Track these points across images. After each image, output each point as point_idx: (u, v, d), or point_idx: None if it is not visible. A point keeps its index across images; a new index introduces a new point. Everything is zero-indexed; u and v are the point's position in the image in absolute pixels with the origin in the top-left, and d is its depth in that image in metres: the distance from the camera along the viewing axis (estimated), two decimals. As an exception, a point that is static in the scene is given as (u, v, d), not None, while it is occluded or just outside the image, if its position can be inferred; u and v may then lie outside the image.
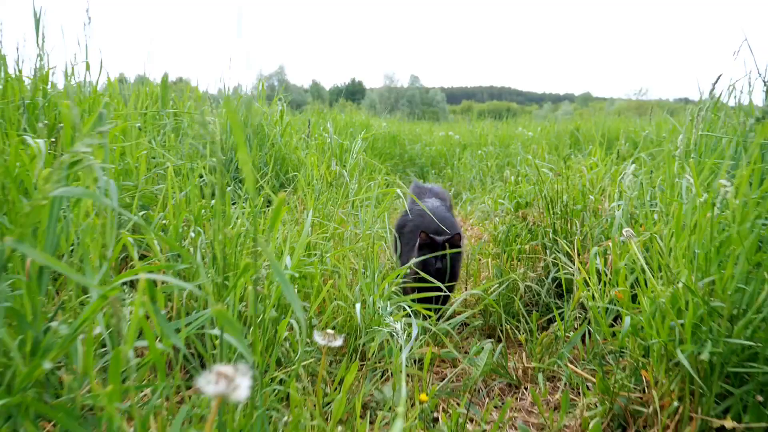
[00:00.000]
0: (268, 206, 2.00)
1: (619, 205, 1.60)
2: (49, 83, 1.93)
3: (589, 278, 1.27)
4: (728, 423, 0.92)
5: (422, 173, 5.05)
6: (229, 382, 0.44)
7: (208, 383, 0.44)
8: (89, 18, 1.69)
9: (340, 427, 0.82)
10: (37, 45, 1.64)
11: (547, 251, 1.81)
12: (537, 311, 1.63)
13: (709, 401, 0.97)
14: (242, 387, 0.44)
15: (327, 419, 0.99)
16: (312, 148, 2.81)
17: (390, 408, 1.08)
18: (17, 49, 1.70)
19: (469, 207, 3.44)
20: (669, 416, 0.99)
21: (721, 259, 1.02)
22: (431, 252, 1.58)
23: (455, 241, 1.62)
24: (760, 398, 0.93)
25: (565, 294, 1.63)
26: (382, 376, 1.25)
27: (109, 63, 2.26)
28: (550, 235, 1.80)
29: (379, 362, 1.26)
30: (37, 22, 1.56)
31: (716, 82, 1.46)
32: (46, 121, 1.62)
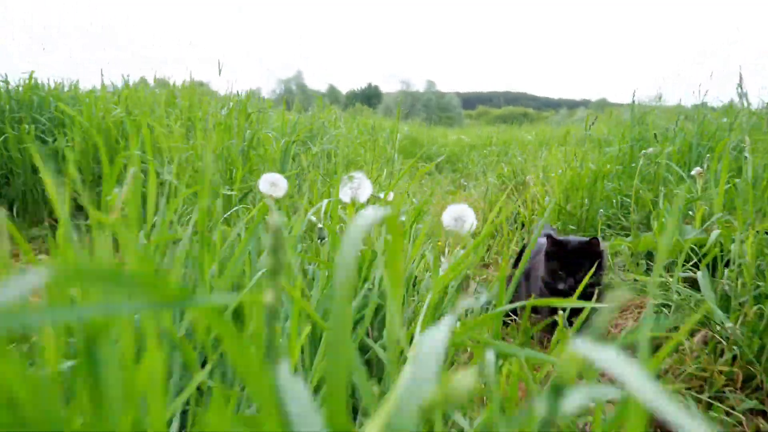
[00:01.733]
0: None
1: (557, 175, 2.76)
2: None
3: (525, 209, 2.44)
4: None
5: (438, 167, 6.25)
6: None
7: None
8: (248, 54, 2.87)
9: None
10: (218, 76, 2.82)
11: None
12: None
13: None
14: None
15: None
16: (371, 142, 4.03)
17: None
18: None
19: (473, 191, 4.63)
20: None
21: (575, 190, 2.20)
22: (560, 264, 1.23)
23: (593, 246, 1.21)
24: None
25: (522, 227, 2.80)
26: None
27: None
28: (515, 194, 2.97)
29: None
30: (220, 70, 2.73)
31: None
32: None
